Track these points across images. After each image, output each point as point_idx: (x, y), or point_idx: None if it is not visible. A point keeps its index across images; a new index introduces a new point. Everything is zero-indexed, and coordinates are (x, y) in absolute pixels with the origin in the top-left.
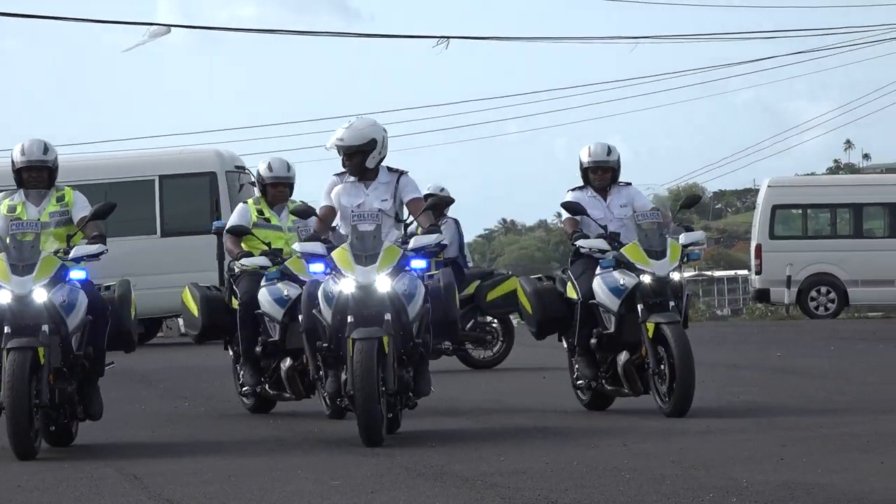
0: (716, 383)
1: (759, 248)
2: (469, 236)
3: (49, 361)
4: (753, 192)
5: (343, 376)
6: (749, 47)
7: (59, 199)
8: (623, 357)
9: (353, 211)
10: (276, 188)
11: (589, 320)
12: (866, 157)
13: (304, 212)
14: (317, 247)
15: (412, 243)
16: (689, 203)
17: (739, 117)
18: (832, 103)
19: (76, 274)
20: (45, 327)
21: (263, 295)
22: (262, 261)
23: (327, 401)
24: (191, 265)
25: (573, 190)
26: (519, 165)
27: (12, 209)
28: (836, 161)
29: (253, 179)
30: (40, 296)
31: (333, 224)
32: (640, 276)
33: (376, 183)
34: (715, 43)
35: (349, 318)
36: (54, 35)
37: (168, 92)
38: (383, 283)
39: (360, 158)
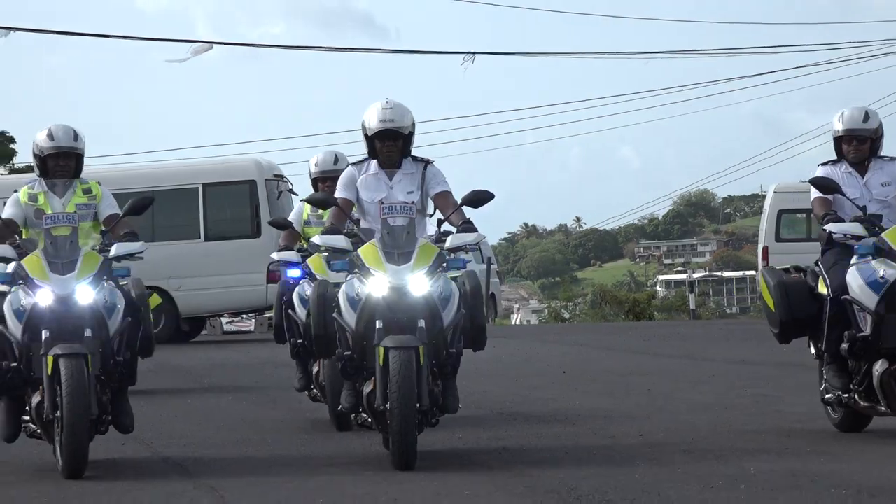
0: (726, 378)
1: (765, 250)
2: (493, 240)
3: (94, 369)
4: (760, 197)
5: (366, 389)
6: (753, 62)
7: (87, 192)
8: (880, 366)
9: (382, 203)
10: (325, 182)
11: (841, 320)
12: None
13: (323, 201)
14: (340, 240)
15: (449, 242)
16: None
17: (745, 128)
18: (831, 114)
19: (120, 272)
20: (88, 331)
21: (295, 297)
22: (293, 255)
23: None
24: (232, 268)
25: (824, 164)
26: (539, 173)
27: (33, 198)
28: None
29: (291, 187)
30: (85, 296)
31: (355, 216)
32: None
33: (400, 174)
34: (721, 58)
35: (378, 324)
36: (103, 51)
37: (209, 104)
38: (419, 285)
39: (404, 143)
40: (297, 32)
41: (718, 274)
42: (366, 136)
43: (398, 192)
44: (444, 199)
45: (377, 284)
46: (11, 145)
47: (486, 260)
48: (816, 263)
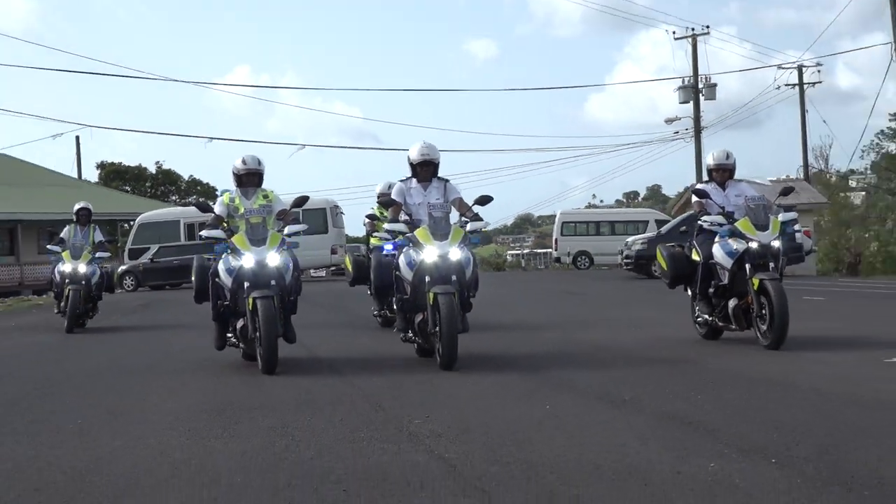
0: (552, 299)
1: (556, 240)
2: None
3: (277, 305)
4: (554, 216)
5: (417, 318)
6: (552, 155)
7: (265, 197)
8: (733, 302)
9: (430, 203)
10: (385, 196)
11: (708, 275)
12: (601, 201)
13: (388, 203)
14: (401, 226)
15: (469, 227)
16: (786, 192)
17: (548, 184)
18: (586, 178)
19: (291, 244)
20: (273, 282)
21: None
22: (385, 235)
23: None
24: (315, 247)
25: (703, 182)
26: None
27: (232, 200)
28: (589, 202)
29: (342, 212)
30: (273, 260)
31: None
32: (749, 243)
33: (431, 187)
34: (530, 152)
35: (427, 278)
36: (258, 149)
37: (303, 173)
38: (455, 254)
39: (435, 168)
40: (341, 139)
41: (536, 251)
42: (410, 163)
43: (431, 197)
44: (460, 202)
45: (429, 253)
46: (216, 193)
47: None
48: (690, 242)
